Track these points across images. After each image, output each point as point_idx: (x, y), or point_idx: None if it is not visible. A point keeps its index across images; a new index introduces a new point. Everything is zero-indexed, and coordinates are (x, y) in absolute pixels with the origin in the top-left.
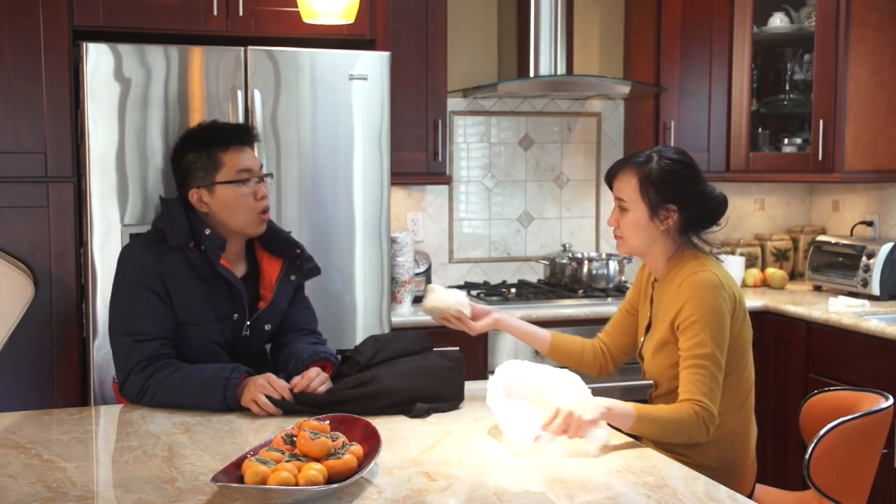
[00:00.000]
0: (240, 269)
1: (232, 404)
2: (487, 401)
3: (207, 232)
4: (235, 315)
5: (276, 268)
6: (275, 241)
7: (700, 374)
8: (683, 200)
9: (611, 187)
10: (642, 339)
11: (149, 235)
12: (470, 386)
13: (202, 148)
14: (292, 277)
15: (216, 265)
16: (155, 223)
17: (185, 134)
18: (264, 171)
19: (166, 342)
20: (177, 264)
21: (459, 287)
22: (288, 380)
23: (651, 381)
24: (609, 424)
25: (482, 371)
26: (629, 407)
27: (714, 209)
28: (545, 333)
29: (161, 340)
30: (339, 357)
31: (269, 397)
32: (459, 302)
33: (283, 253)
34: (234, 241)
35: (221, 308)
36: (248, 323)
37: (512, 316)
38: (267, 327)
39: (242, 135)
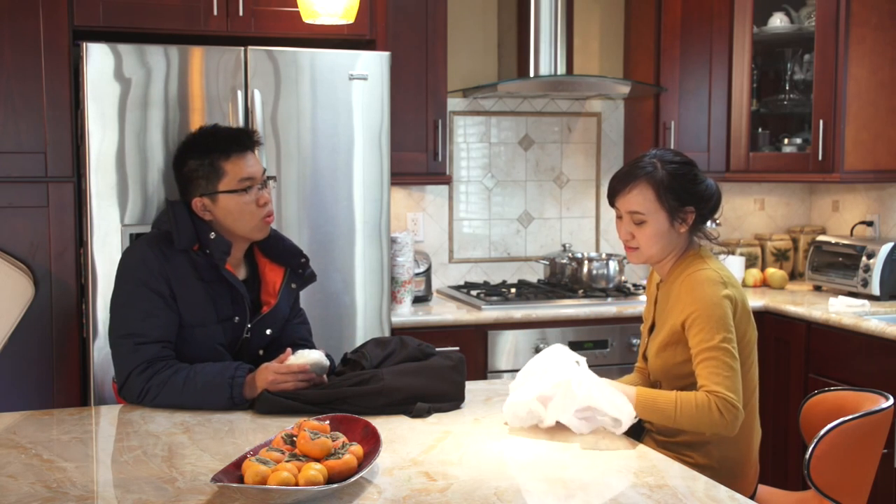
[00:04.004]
0: (241, 273)
1: (239, 402)
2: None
3: (213, 236)
4: (236, 318)
5: (278, 275)
6: (278, 248)
7: (711, 365)
8: (697, 199)
9: (614, 202)
10: (646, 340)
11: (152, 236)
12: (470, 386)
13: (203, 156)
14: (293, 286)
15: (221, 269)
16: (158, 224)
17: (186, 140)
18: (267, 174)
19: (167, 345)
20: (181, 266)
21: (459, 287)
22: None
23: (655, 381)
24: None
25: (482, 371)
26: (630, 391)
27: (717, 201)
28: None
29: (162, 343)
30: (331, 357)
31: (279, 394)
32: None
33: (285, 261)
34: (237, 246)
35: (223, 310)
36: (249, 326)
37: None
38: (268, 332)
39: (244, 140)
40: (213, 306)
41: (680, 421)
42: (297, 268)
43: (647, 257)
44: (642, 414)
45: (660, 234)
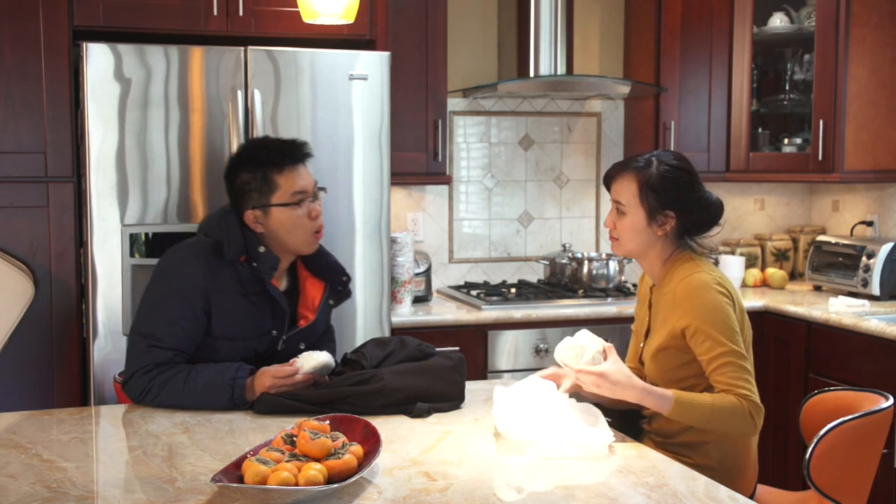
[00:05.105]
0: (282, 285)
1: (239, 403)
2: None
3: (262, 250)
4: (274, 331)
5: (318, 289)
6: (321, 264)
7: (729, 370)
8: (682, 207)
9: (608, 189)
10: (642, 345)
11: (202, 245)
12: (470, 386)
13: (256, 169)
14: (331, 302)
15: (267, 284)
16: (208, 232)
17: (238, 152)
18: (318, 185)
19: (180, 354)
20: (225, 280)
21: (459, 287)
22: None
23: (653, 384)
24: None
25: (482, 371)
26: (667, 392)
27: (711, 215)
28: None
29: (175, 352)
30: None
31: (279, 394)
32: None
33: (327, 277)
34: (284, 260)
35: (262, 324)
36: (284, 338)
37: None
38: (301, 346)
39: (296, 153)
40: (252, 320)
41: (713, 424)
42: (338, 285)
43: (626, 250)
44: (678, 416)
45: (636, 230)
